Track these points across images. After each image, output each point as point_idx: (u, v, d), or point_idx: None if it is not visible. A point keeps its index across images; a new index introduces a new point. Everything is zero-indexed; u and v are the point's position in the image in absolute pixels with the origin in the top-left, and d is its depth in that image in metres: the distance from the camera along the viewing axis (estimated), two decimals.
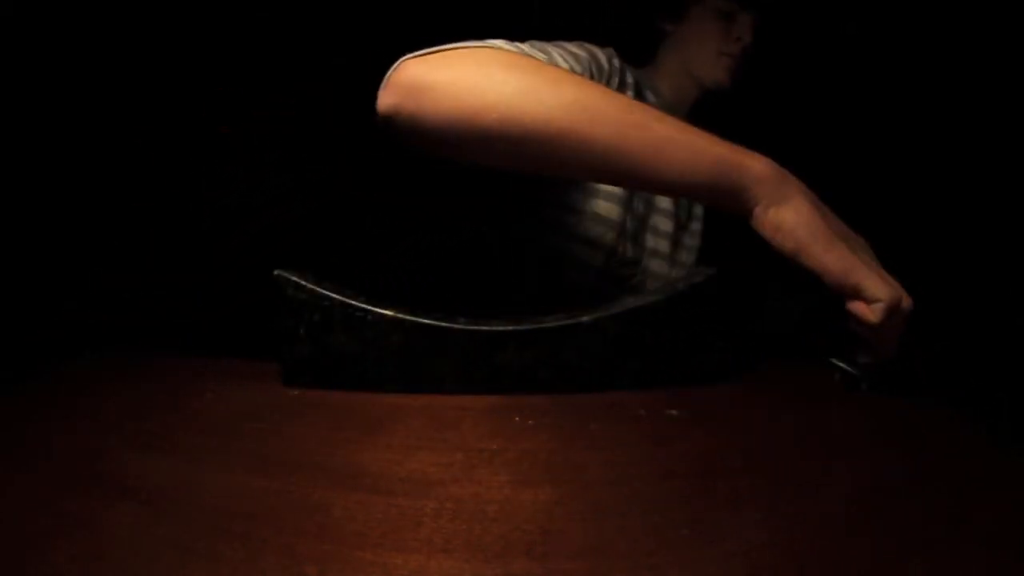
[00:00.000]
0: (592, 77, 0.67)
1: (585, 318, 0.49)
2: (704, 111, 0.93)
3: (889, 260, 0.53)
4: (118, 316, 1.13)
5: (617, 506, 0.33)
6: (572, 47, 0.68)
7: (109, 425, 0.45)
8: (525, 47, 0.57)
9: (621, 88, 0.77)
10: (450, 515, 0.32)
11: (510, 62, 0.49)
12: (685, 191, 0.48)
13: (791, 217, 0.45)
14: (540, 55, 0.58)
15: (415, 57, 0.51)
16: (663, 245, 0.91)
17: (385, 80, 0.52)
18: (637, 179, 0.48)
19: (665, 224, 0.91)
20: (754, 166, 0.45)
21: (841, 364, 0.51)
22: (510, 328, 0.49)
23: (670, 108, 0.84)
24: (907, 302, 0.47)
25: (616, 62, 0.78)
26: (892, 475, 0.37)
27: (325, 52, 1.30)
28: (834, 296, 0.49)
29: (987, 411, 0.48)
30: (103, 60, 1.20)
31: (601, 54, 0.74)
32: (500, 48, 0.52)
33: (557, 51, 0.63)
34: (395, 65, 0.52)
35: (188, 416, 0.46)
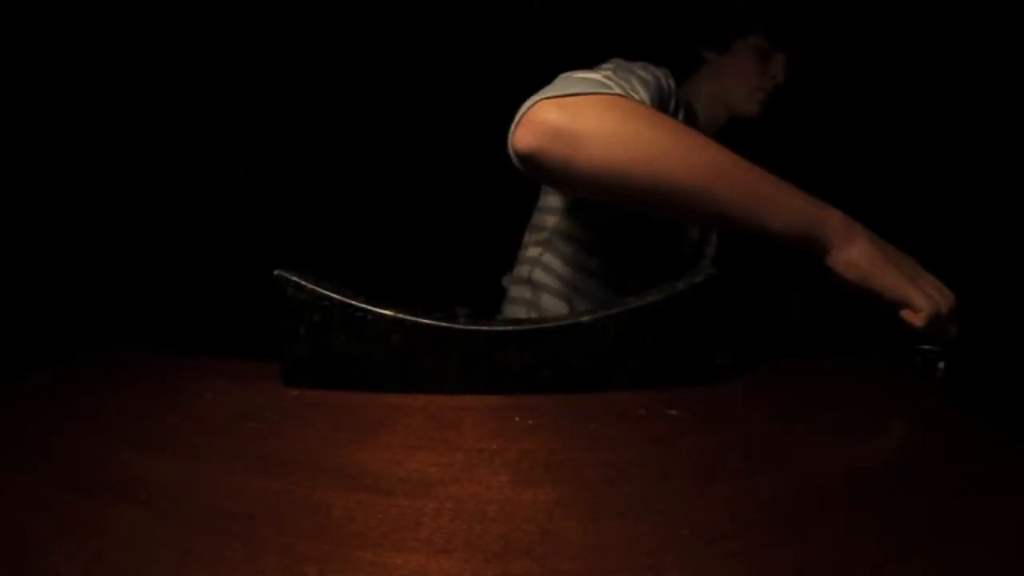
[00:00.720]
0: (663, 103, 0.72)
1: (585, 318, 0.49)
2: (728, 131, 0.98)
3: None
4: (118, 316, 1.13)
5: (617, 506, 0.33)
6: (646, 74, 0.71)
7: (109, 425, 0.45)
8: (613, 76, 0.62)
9: (677, 108, 0.79)
10: (450, 515, 0.32)
11: (652, 120, 0.56)
12: (779, 239, 0.56)
13: (856, 255, 0.56)
14: (640, 91, 0.65)
15: (550, 99, 0.55)
16: (687, 251, 0.94)
17: (521, 117, 0.56)
18: (745, 228, 0.57)
19: (694, 232, 0.94)
20: (832, 219, 0.56)
21: (925, 347, 0.59)
22: (510, 328, 0.49)
23: (699, 128, 0.89)
24: (947, 305, 0.56)
25: (672, 83, 0.80)
26: (892, 475, 0.37)
27: (325, 52, 1.31)
28: (834, 297, 0.53)
29: (987, 411, 0.48)
30: (103, 61, 1.20)
31: (663, 78, 0.77)
32: (630, 99, 0.58)
33: (640, 84, 0.67)
34: (530, 104, 0.56)
35: (188, 416, 0.46)
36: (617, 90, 0.57)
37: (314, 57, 1.31)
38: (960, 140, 1.22)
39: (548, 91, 0.57)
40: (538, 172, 0.59)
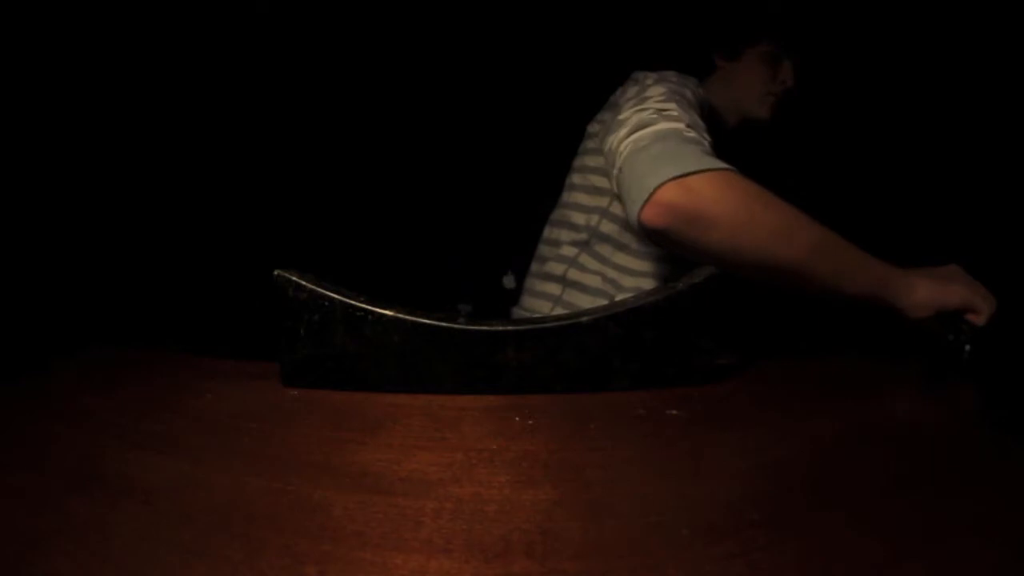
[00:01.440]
0: (702, 116, 0.78)
1: (584, 318, 0.49)
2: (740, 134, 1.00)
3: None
4: (118, 316, 1.13)
5: (617, 506, 0.33)
6: (691, 96, 0.79)
7: (109, 425, 0.45)
8: (682, 113, 0.70)
9: (703, 114, 0.82)
10: (450, 515, 0.32)
11: (765, 201, 0.63)
12: (852, 300, 0.65)
13: (920, 297, 0.65)
14: (698, 121, 0.72)
15: (675, 180, 0.62)
16: None
17: (648, 196, 0.62)
18: (826, 293, 0.65)
19: None
20: (892, 276, 0.65)
21: (960, 328, 0.64)
22: (510, 328, 0.49)
23: (716, 131, 0.93)
24: (993, 305, 0.65)
25: (700, 90, 0.86)
26: (892, 474, 0.37)
27: (325, 52, 1.31)
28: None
29: (985, 408, 0.48)
30: (104, 61, 1.20)
31: (695, 90, 0.83)
32: (739, 176, 0.64)
33: (695, 110, 0.76)
34: (655, 184, 0.62)
35: (188, 416, 0.46)
36: (721, 164, 0.63)
37: (314, 57, 1.31)
38: (965, 139, 1.22)
39: (663, 159, 0.63)
40: (664, 244, 0.67)
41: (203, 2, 1.24)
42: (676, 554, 0.29)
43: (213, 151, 1.29)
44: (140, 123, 1.25)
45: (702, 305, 0.50)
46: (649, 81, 0.80)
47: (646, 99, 0.73)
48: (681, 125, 0.68)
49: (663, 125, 0.68)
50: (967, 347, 0.64)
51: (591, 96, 0.99)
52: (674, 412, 0.46)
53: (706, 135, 0.70)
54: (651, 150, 0.64)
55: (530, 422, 0.44)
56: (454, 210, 1.40)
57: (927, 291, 0.64)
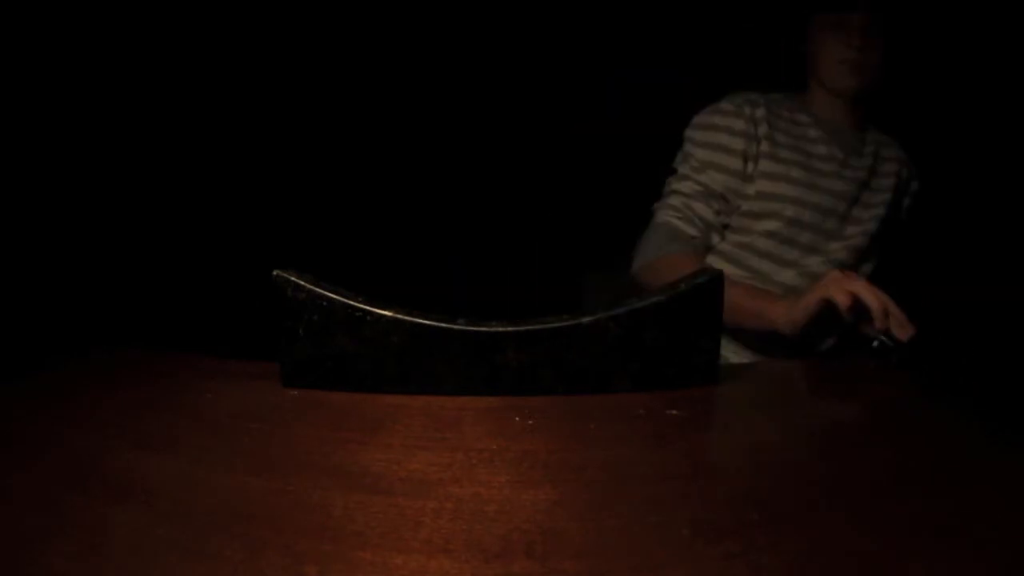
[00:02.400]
0: (722, 150, 0.98)
1: (585, 319, 0.49)
2: (875, 112, 1.02)
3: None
4: (118, 316, 1.13)
5: (617, 506, 0.33)
6: (691, 149, 1.00)
7: (109, 425, 0.45)
8: (679, 187, 0.99)
9: (757, 121, 0.97)
10: (450, 515, 0.32)
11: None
12: (751, 328, 0.85)
13: (783, 318, 0.79)
14: (694, 190, 0.98)
15: (643, 265, 0.95)
16: None
17: (633, 267, 0.98)
18: (740, 326, 0.87)
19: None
20: (768, 313, 0.81)
21: (881, 338, 0.67)
22: (510, 329, 0.48)
23: (828, 121, 0.99)
24: (842, 279, 0.72)
25: (757, 111, 0.97)
26: (892, 474, 0.37)
27: (325, 52, 1.31)
28: None
29: (987, 411, 0.48)
30: (105, 62, 1.20)
31: (729, 120, 0.97)
32: (677, 256, 0.93)
33: (694, 167, 0.99)
34: (636, 262, 0.97)
35: (188, 416, 0.46)
36: (667, 251, 0.94)
37: (315, 57, 1.31)
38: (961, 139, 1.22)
39: (645, 243, 0.97)
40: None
41: (203, 2, 1.24)
42: (676, 554, 0.29)
43: (213, 152, 1.29)
44: (141, 124, 1.25)
45: (703, 305, 0.50)
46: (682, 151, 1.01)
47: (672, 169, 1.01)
48: (662, 211, 0.97)
49: (657, 211, 0.99)
50: (893, 357, 0.66)
51: (590, 97, 0.99)
52: (674, 412, 0.46)
53: (691, 201, 0.96)
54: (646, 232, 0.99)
55: (530, 422, 0.44)
56: (453, 210, 1.40)
57: (785, 309, 0.78)
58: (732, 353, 0.93)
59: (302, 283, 0.49)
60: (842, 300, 0.69)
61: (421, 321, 0.48)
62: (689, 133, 1.00)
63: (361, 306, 0.49)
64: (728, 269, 0.93)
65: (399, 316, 0.48)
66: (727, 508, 0.33)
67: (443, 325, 0.48)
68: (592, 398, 0.48)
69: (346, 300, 0.49)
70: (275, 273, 0.49)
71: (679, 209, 0.97)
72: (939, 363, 0.65)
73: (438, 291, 0.85)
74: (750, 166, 0.96)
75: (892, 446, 0.42)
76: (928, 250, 1.21)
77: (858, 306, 0.69)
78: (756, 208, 0.96)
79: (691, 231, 0.96)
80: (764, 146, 0.96)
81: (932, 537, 0.30)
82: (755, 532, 0.30)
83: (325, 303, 0.49)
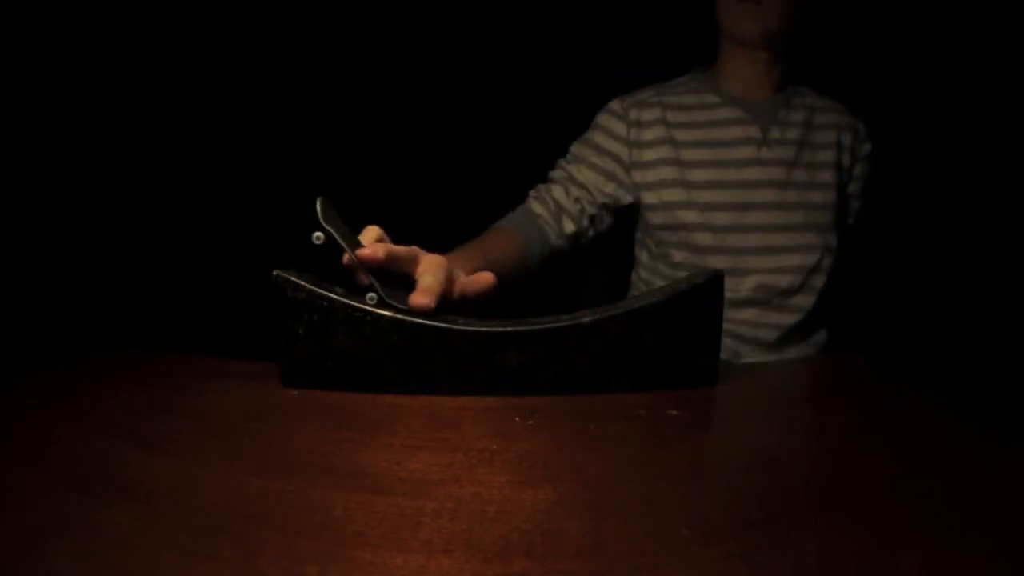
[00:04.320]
0: (603, 135, 0.94)
1: (585, 319, 0.49)
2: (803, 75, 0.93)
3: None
4: (118, 316, 1.13)
5: (617, 506, 0.33)
6: (590, 135, 0.95)
7: (109, 425, 0.45)
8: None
9: (641, 139, 0.91)
10: (450, 515, 0.32)
11: None
12: None
13: None
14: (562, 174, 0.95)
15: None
16: None
17: None
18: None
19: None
20: None
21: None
22: (510, 329, 0.49)
23: (740, 95, 0.90)
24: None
25: (645, 113, 0.92)
26: (890, 474, 0.37)
27: (326, 53, 1.31)
28: None
29: (985, 409, 0.48)
30: (105, 62, 1.20)
31: (611, 125, 0.93)
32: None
33: (583, 147, 0.96)
34: None
35: (188, 416, 0.46)
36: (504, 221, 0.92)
37: (315, 57, 1.31)
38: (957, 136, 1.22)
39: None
40: None
41: (203, 2, 1.24)
42: (676, 554, 0.29)
43: (213, 152, 1.29)
44: (140, 124, 1.25)
45: (703, 306, 0.50)
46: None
47: None
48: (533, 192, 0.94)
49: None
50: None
51: (589, 98, 0.99)
52: (674, 412, 0.46)
53: (552, 184, 0.93)
54: None
55: (530, 422, 0.44)
56: (453, 210, 1.40)
57: None
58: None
59: (302, 283, 0.49)
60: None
61: (421, 321, 0.48)
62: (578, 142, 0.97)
63: (361, 306, 0.49)
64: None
65: (399, 316, 0.48)
66: (727, 508, 0.33)
67: (443, 325, 0.48)
68: (592, 398, 0.48)
69: (346, 300, 0.49)
70: (275, 273, 0.49)
71: (539, 191, 0.94)
72: (939, 363, 0.65)
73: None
74: (629, 174, 0.91)
75: (891, 446, 0.42)
76: (922, 238, 1.21)
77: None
78: (667, 220, 0.90)
79: (539, 209, 0.92)
80: (655, 153, 0.90)
81: (932, 537, 0.30)
82: (755, 532, 0.30)
83: (325, 303, 0.49)
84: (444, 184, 1.39)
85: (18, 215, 1.11)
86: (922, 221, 1.22)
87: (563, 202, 0.92)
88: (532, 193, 0.94)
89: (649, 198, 0.91)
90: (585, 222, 0.93)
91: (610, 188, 0.92)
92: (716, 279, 0.50)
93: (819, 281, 0.88)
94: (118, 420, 0.46)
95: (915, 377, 0.61)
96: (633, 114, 0.92)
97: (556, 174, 0.95)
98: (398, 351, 0.49)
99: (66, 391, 0.54)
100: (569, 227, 0.92)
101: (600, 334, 0.49)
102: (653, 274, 0.95)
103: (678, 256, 0.91)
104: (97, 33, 1.18)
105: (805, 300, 0.88)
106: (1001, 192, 1.23)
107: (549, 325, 0.49)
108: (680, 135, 0.90)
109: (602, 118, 0.94)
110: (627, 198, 0.93)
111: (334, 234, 0.49)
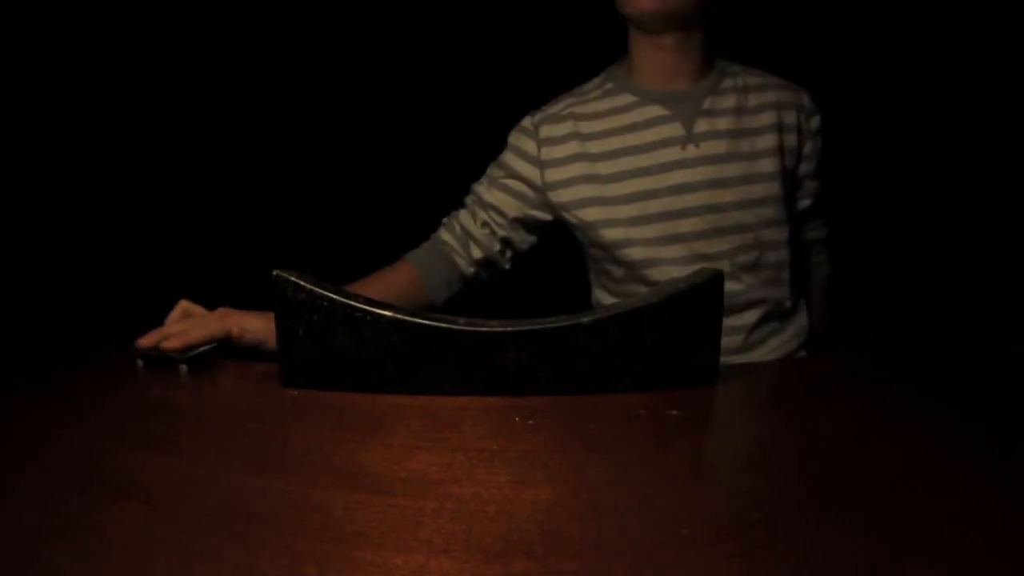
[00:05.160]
0: (514, 155, 0.87)
1: (585, 319, 0.49)
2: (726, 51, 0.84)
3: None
4: (118, 316, 1.13)
5: (617, 506, 0.33)
6: (494, 172, 0.88)
7: (109, 425, 0.45)
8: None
9: (552, 157, 0.83)
10: (450, 515, 0.32)
11: None
12: None
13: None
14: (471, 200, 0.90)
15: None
16: None
17: None
18: None
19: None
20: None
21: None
22: (510, 329, 0.48)
23: (657, 89, 0.81)
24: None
25: (556, 128, 0.83)
26: (891, 475, 0.37)
27: (326, 53, 1.31)
28: None
29: (985, 408, 0.48)
30: (105, 63, 1.20)
31: (522, 144, 0.86)
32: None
33: (494, 170, 0.89)
34: None
35: (188, 416, 0.46)
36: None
37: (315, 57, 1.31)
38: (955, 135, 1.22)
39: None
40: None
41: (203, 2, 1.24)
42: (676, 554, 0.29)
43: (213, 152, 1.29)
44: (141, 124, 1.25)
45: (702, 306, 0.50)
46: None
47: None
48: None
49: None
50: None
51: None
52: (674, 412, 0.46)
53: (463, 211, 0.88)
54: None
55: (530, 422, 0.44)
56: (453, 210, 1.40)
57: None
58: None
59: (302, 283, 0.49)
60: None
61: (421, 321, 0.48)
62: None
63: (361, 306, 0.49)
64: None
65: (399, 316, 0.48)
66: (727, 508, 0.33)
67: (443, 325, 0.48)
68: (592, 398, 0.48)
69: (346, 300, 0.49)
70: (275, 273, 0.49)
71: (449, 218, 0.90)
72: (939, 363, 0.65)
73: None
74: (544, 195, 0.84)
75: (891, 446, 0.42)
76: (910, 228, 1.21)
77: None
78: (593, 240, 0.83)
79: (446, 237, 0.88)
80: (569, 171, 0.81)
81: (931, 537, 0.30)
82: (755, 532, 0.30)
83: (325, 303, 0.49)
84: (443, 184, 1.39)
85: (19, 216, 1.11)
86: (910, 212, 1.23)
87: (470, 227, 0.87)
88: (444, 220, 0.90)
89: (570, 218, 0.83)
90: (497, 245, 0.87)
91: (523, 209, 0.86)
92: (716, 279, 0.50)
93: (765, 276, 0.81)
94: (118, 420, 0.46)
95: (916, 377, 0.61)
96: (544, 131, 0.84)
97: (468, 198, 0.89)
98: (398, 351, 0.49)
99: (66, 391, 0.54)
100: (477, 253, 0.87)
101: (600, 334, 0.49)
102: (603, 291, 0.89)
103: (617, 272, 0.84)
104: (99, 33, 1.18)
105: (757, 298, 0.81)
106: (989, 182, 1.23)
107: (549, 325, 0.49)
108: (595, 147, 0.81)
109: (513, 136, 0.87)
110: (546, 217, 0.86)
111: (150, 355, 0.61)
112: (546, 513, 0.32)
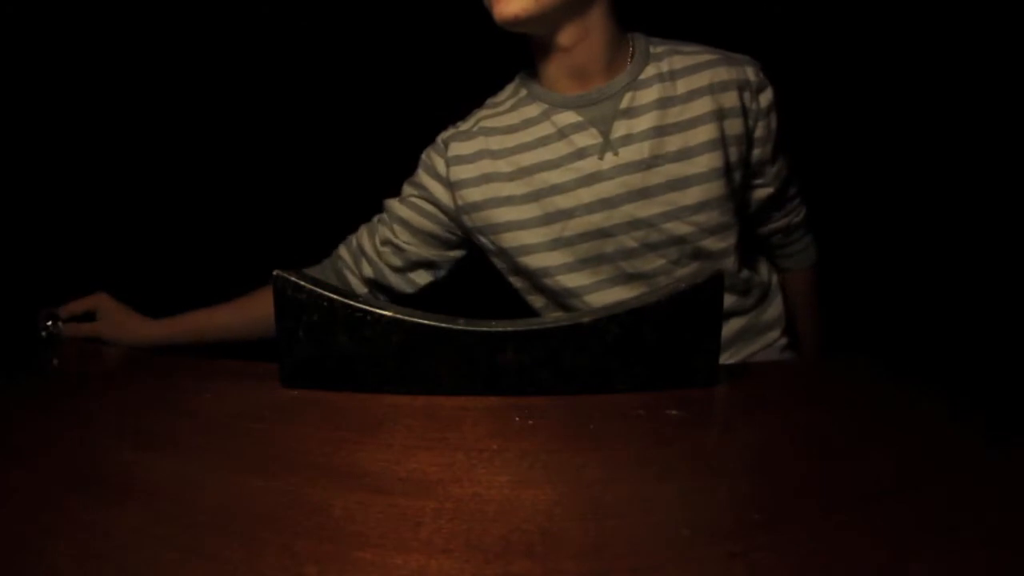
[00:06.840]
0: (424, 175, 0.81)
1: (585, 319, 0.49)
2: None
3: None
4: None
5: (617, 506, 0.33)
6: (410, 194, 0.82)
7: (109, 425, 0.45)
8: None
9: (466, 179, 0.75)
10: (450, 515, 0.32)
11: None
12: None
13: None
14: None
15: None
16: None
17: None
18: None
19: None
20: None
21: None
22: (509, 329, 0.48)
23: (567, 94, 0.72)
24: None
25: (467, 146, 0.76)
26: (891, 475, 0.37)
27: (326, 53, 1.31)
28: None
29: (985, 408, 0.48)
30: (104, 63, 1.20)
31: (433, 161, 0.79)
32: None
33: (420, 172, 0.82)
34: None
35: (188, 416, 0.46)
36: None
37: (315, 57, 1.31)
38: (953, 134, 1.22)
39: None
40: None
41: (203, 2, 1.24)
42: (676, 554, 0.29)
43: (213, 151, 1.29)
44: (140, 123, 1.25)
45: (703, 306, 0.50)
46: None
47: None
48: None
49: None
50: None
51: None
52: (674, 412, 0.46)
53: (366, 229, 0.84)
54: None
55: (530, 422, 0.44)
56: None
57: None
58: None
59: (302, 283, 0.49)
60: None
61: (421, 321, 0.48)
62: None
63: (361, 306, 0.49)
64: None
65: (399, 316, 0.48)
66: (727, 508, 0.33)
67: (443, 325, 0.48)
68: (592, 398, 0.48)
69: (345, 300, 0.49)
70: (275, 273, 0.49)
71: (356, 234, 0.85)
72: (938, 363, 0.65)
73: (438, 290, 0.85)
74: (456, 219, 0.77)
75: (892, 446, 0.42)
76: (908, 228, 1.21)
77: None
78: (510, 267, 0.77)
79: (342, 252, 0.85)
80: (480, 193, 0.74)
81: (932, 537, 0.30)
82: (755, 532, 0.30)
83: (325, 303, 0.49)
84: None
85: (19, 214, 1.11)
86: (907, 213, 1.22)
87: (364, 244, 0.82)
88: (353, 235, 0.85)
89: (486, 243, 0.76)
90: (398, 262, 0.81)
91: (434, 230, 0.79)
92: (716, 279, 0.50)
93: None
94: (118, 420, 0.46)
95: (916, 377, 0.61)
96: (453, 148, 0.76)
97: (378, 215, 0.84)
98: (398, 351, 0.49)
99: (66, 391, 0.54)
100: (367, 271, 0.82)
101: (600, 334, 0.49)
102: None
103: (538, 302, 0.77)
104: (99, 33, 1.18)
105: None
106: (987, 179, 1.22)
107: (549, 325, 0.49)
108: (506, 166, 0.73)
109: (426, 153, 0.80)
110: (463, 236, 0.80)
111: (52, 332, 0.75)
112: (546, 513, 0.32)
